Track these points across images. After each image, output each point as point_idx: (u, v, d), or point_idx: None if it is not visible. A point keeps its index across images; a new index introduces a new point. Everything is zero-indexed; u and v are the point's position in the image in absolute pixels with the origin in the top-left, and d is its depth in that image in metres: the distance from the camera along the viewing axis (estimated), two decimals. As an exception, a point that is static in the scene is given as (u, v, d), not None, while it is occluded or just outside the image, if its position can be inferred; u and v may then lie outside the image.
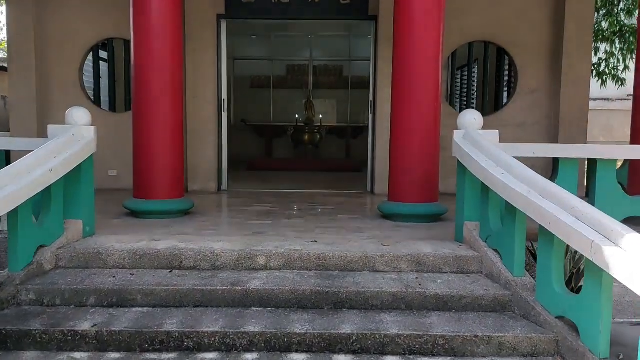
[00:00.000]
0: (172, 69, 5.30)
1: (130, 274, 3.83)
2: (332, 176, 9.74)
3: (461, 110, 8.97)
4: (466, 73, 9.51)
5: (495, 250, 3.89)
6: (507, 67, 8.10)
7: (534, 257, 4.02)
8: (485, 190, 3.95)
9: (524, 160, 3.79)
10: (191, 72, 7.30)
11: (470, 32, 7.45)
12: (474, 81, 7.90)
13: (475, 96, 7.93)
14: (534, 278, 3.67)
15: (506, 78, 8.24)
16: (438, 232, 4.83)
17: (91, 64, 7.76)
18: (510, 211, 3.61)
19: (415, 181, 5.21)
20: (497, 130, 4.21)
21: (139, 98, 5.29)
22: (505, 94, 8.27)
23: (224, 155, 7.66)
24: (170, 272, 3.89)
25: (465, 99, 9.28)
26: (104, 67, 7.99)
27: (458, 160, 4.30)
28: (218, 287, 3.60)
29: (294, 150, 12.52)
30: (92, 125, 4.38)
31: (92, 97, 7.78)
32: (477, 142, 4.03)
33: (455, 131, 4.30)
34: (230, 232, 4.81)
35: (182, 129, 5.54)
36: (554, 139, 7.42)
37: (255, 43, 14.15)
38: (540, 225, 3.28)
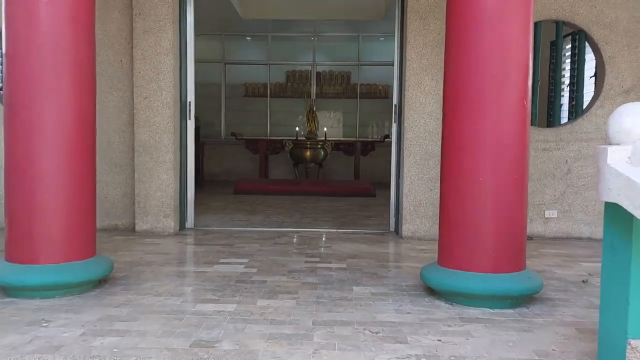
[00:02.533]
0: (74, 47, 3.11)
1: None
2: (340, 203, 7.51)
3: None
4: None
5: None
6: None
7: None
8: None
9: None
10: (140, 62, 5.12)
11: (540, 9, 5.23)
12: (539, 77, 5.69)
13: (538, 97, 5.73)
14: None
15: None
16: (544, 335, 2.59)
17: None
18: None
19: (489, 236, 2.98)
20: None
21: (13, 92, 3.09)
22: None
23: (189, 180, 5.45)
24: None
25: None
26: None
27: (609, 207, 2.06)
28: None
29: (294, 169, 10.38)
30: None
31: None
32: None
33: (607, 148, 2.06)
34: (147, 341, 2.52)
35: (94, 145, 3.34)
36: (659, 158, 5.19)
37: (250, 45, 12.35)
38: None
